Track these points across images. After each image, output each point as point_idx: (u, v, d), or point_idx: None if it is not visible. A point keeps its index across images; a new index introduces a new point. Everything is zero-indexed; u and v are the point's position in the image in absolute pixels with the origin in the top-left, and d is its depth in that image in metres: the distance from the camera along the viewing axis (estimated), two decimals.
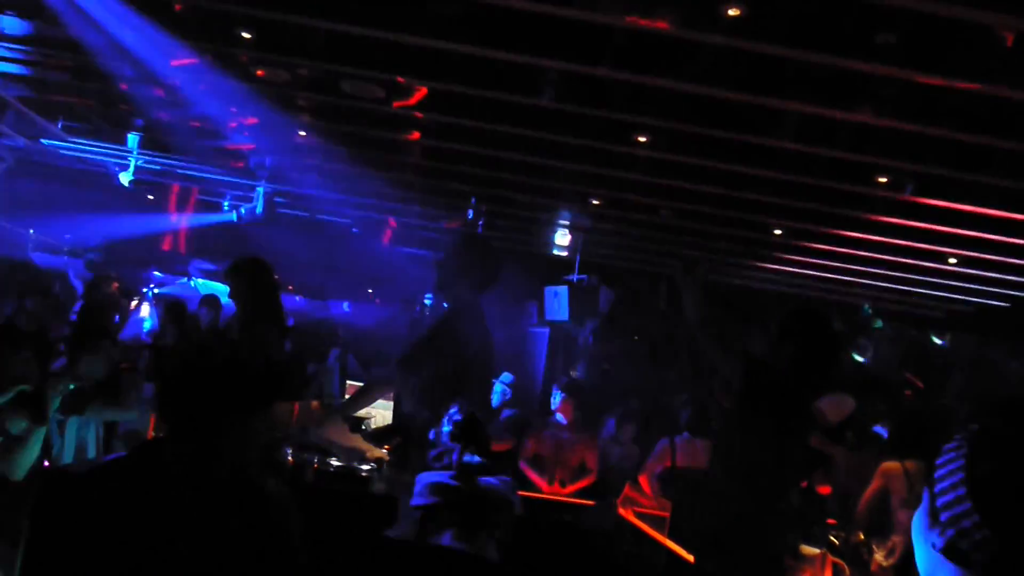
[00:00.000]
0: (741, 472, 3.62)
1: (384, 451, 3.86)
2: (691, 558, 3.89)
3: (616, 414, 6.92)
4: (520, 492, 5.61)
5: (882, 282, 8.97)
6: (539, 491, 5.86)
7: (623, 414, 6.88)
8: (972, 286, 8.50)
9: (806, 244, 7.63)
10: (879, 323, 10.23)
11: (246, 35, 4.62)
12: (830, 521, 5.16)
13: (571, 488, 5.88)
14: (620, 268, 10.23)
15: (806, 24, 3.72)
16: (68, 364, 4.75)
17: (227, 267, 4.74)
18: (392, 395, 4.23)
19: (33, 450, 4.08)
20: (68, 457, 4.42)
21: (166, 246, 10.08)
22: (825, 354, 3.72)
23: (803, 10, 3.66)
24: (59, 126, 7.19)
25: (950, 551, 1.13)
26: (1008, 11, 3.31)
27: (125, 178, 7.82)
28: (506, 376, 6.73)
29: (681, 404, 6.61)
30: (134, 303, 9.76)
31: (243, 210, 8.54)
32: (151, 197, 9.52)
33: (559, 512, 5.53)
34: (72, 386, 4.40)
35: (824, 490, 5.71)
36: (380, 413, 5.79)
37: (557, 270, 9.80)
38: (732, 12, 3.60)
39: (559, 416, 6.23)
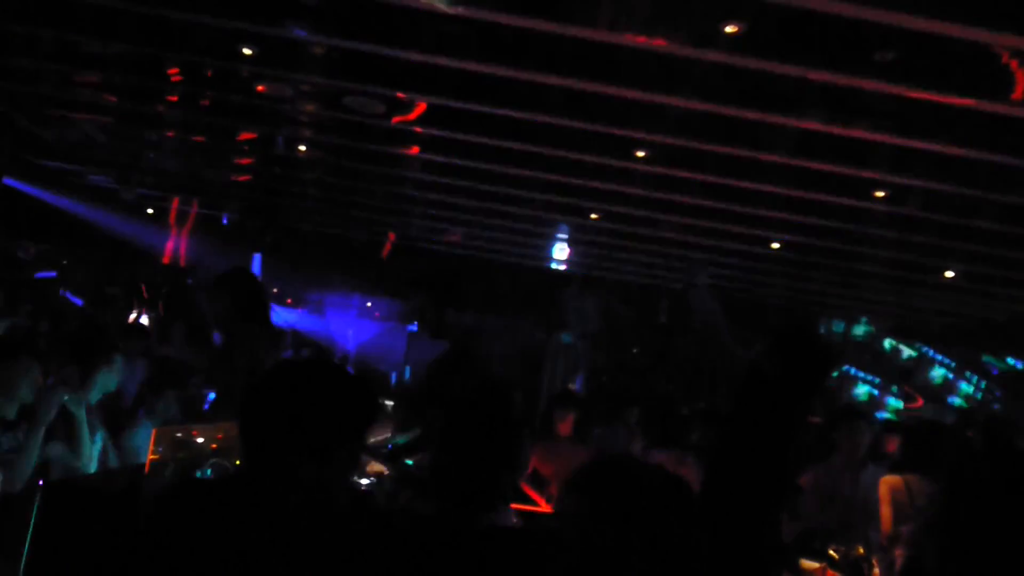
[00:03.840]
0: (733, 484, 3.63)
1: (383, 466, 3.86)
2: None
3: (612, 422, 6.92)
4: (518, 506, 5.63)
5: (881, 295, 9.00)
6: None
7: (636, 423, 6.87)
8: (970, 299, 8.54)
9: (805, 258, 7.66)
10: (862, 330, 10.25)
11: (247, 51, 4.65)
12: None
13: None
14: (619, 281, 10.26)
15: (804, 41, 3.74)
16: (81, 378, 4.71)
17: (213, 280, 4.68)
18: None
19: (31, 461, 4.08)
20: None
21: (166, 259, 10.10)
22: (814, 371, 3.73)
23: (800, 27, 3.68)
24: None
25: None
26: (1003, 29, 3.34)
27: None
28: None
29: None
30: (134, 315, 9.77)
31: None
32: (151, 211, 9.55)
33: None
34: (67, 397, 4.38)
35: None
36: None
37: (556, 284, 9.84)
38: (730, 29, 3.62)
39: (558, 430, 6.21)
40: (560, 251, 9.27)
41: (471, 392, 3.29)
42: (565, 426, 6.16)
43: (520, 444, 2.36)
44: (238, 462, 4.26)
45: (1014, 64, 3.68)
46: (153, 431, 3.54)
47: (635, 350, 11.28)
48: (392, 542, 1.93)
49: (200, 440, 4.39)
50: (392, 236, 9.63)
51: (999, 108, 4.07)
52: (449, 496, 2.21)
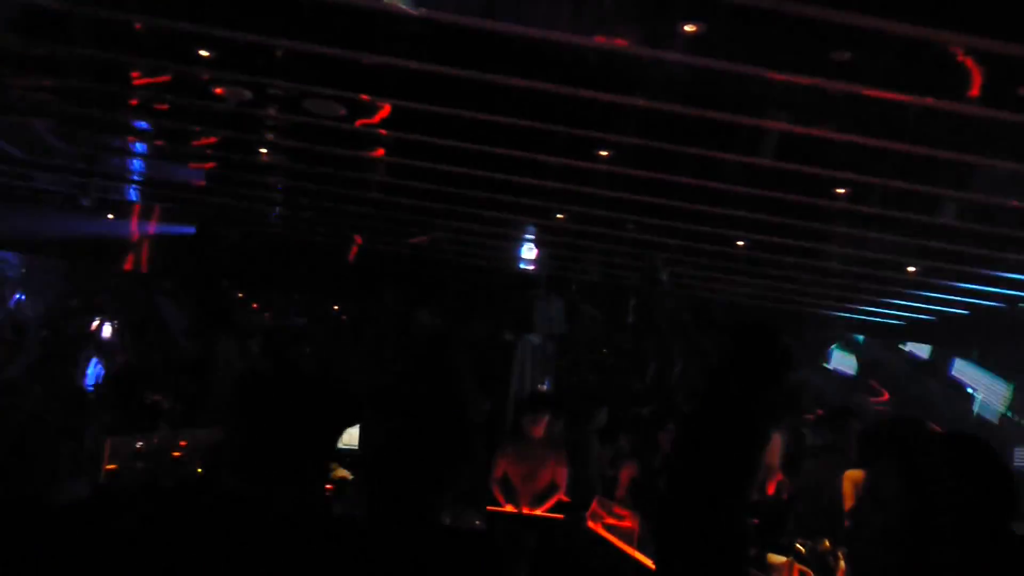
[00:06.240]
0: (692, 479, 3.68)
1: (347, 472, 3.83)
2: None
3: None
4: (489, 508, 5.62)
5: (843, 292, 9.10)
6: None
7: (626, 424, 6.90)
8: (933, 295, 8.65)
9: (769, 256, 7.71)
10: None
11: (205, 53, 4.58)
12: None
13: (541, 509, 5.82)
14: (587, 281, 10.28)
15: (763, 41, 3.77)
16: None
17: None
18: None
19: None
20: None
21: (127, 265, 9.93)
22: (772, 372, 3.78)
23: (759, 27, 3.70)
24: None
25: None
26: (958, 29, 3.38)
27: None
28: None
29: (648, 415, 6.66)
30: (95, 324, 9.63)
31: None
32: (111, 216, 9.39)
33: (528, 527, 5.52)
34: None
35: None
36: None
37: (524, 285, 9.84)
38: (688, 29, 3.64)
39: (531, 432, 6.18)
40: (528, 252, 9.26)
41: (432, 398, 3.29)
42: (537, 428, 6.12)
43: (473, 442, 2.38)
44: (200, 470, 4.22)
45: (969, 63, 3.73)
46: (107, 440, 3.48)
47: (604, 350, 11.30)
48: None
49: (161, 449, 4.33)
50: (359, 239, 9.56)
51: (956, 107, 4.12)
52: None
